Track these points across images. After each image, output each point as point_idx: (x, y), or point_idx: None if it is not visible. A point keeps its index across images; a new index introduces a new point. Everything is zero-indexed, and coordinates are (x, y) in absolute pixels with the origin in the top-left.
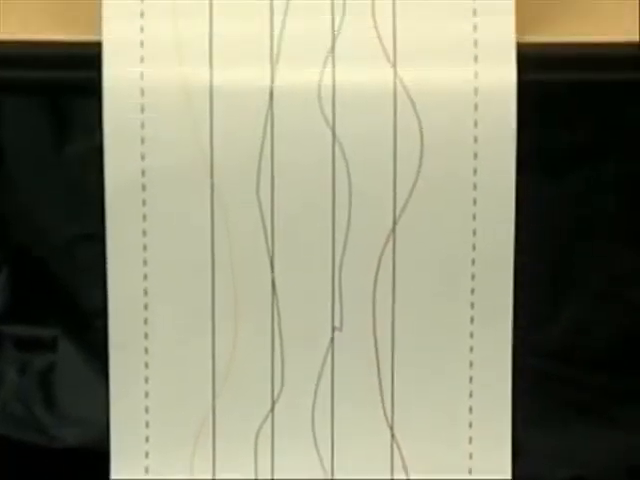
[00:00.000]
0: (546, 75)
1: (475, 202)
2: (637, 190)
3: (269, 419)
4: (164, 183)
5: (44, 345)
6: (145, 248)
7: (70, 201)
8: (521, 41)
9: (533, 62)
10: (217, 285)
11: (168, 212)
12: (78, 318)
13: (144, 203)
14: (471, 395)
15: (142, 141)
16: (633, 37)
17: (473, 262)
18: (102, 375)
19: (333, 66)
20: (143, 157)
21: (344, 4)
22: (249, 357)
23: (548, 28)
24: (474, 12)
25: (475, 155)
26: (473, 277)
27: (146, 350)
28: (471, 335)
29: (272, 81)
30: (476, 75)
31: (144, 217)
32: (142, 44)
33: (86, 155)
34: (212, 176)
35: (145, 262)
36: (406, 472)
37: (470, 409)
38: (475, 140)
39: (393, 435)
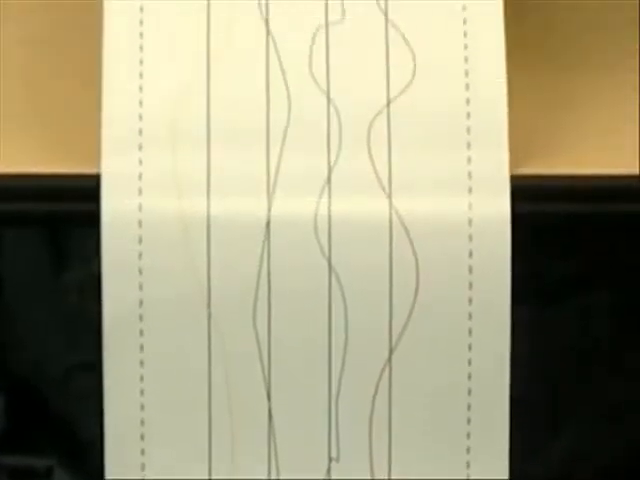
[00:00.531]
0: (540, 207)
1: (470, 332)
2: (632, 319)
3: None
4: (162, 314)
5: (39, 475)
6: (142, 379)
7: (68, 330)
8: (515, 173)
9: (527, 194)
10: (214, 415)
11: (165, 343)
12: (74, 448)
13: (141, 333)
14: None
15: (140, 272)
16: (633, 170)
17: (469, 392)
18: None
19: (329, 197)
20: (141, 287)
21: (340, 136)
22: None
23: (542, 160)
24: (468, 145)
25: (470, 285)
26: (469, 407)
27: None
28: (467, 465)
29: (269, 212)
30: (470, 206)
31: (141, 348)
32: (140, 177)
33: (84, 285)
34: (209, 306)
35: (142, 392)
36: None
37: None
38: (470, 270)
39: None
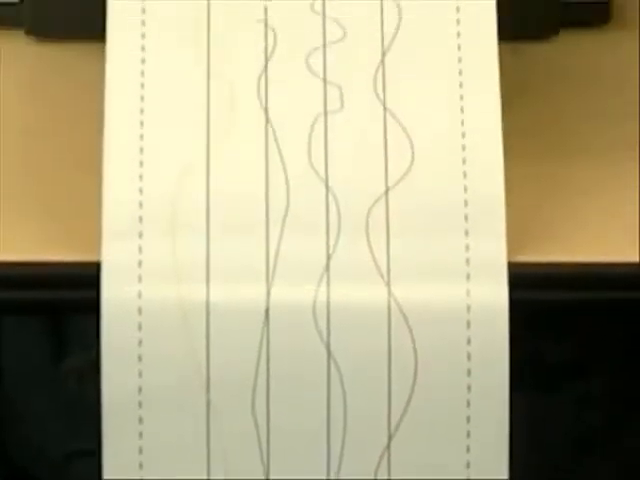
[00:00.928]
0: (538, 294)
1: (469, 419)
2: (628, 407)
3: None
4: (161, 400)
5: None
6: (141, 466)
7: (68, 417)
8: (513, 261)
9: (525, 281)
10: None
11: (165, 430)
12: None
13: (141, 421)
14: None
15: (139, 359)
16: (632, 258)
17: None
18: None
19: (328, 285)
20: (140, 374)
21: (339, 224)
22: None
23: (541, 247)
24: (466, 233)
25: (469, 372)
26: None
27: None
28: None
29: (268, 299)
30: (468, 293)
31: (140, 435)
32: (140, 264)
33: (84, 372)
34: (208, 392)
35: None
36: None
37: None
38: (468, 357)
39: None
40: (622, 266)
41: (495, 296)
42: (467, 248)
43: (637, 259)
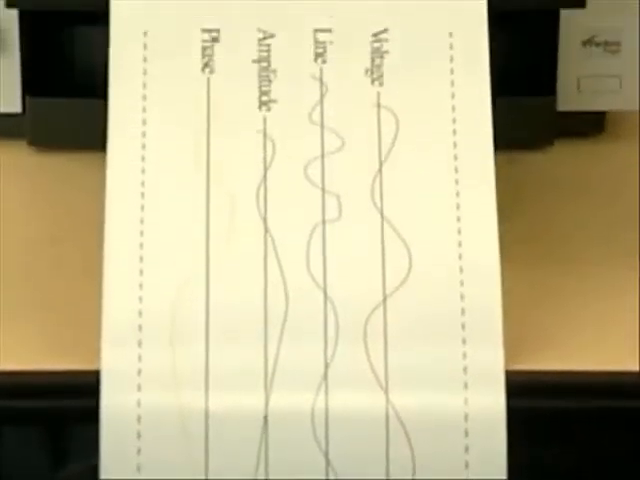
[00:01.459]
0: (536, 402)
1: None
2: None
3: None
4: None
5: None
6: None
7: None
8: (510, 369)
9: (523, 390)
10: None
11: None
12: None
13: None
14: None
15: (138, 468)
16: (632, 367)
17: None
18: None
19: (326, 393)
20: None
21: (337, 332)
22: None
23: (539, 355)
24: (463, 341)
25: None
26: None
27: None
28: None
29: (266, 407)
30: (466, 402)
31: None
32: (140, 372)
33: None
34: None
35: None
36: None
37: None
38: (466, 466)
39: None
40: (621, 375)
41: (493, 405)
42: (464, 356)
43: (637, 368)
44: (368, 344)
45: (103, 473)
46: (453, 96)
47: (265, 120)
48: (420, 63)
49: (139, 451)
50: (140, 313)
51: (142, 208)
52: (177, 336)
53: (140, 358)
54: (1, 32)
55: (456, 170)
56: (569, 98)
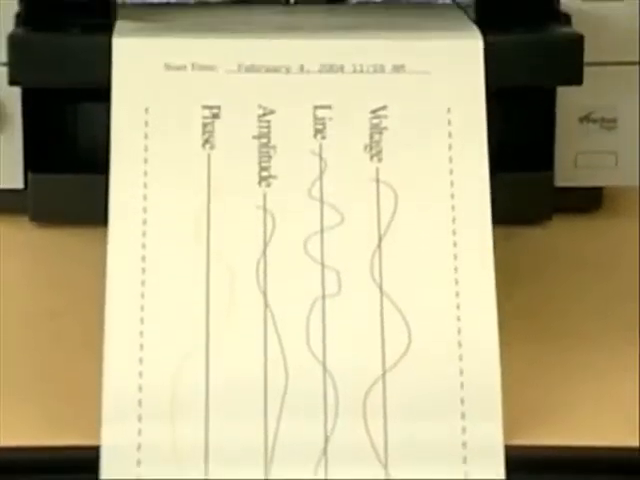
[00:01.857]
0: (535, 477)
1: None
2: None
3: None
4: None
5: None
6: None
7: None
8: (510, 444)
9: (522, 465)
10: None
11: None
12: None
13: None
14: None
15: None
16: (632, 442)
17: None
18: None
19: (326, 467)
20: None
21: (336, 406)
22: None
23: (538, 430)
24: (462, 416)
25: None
26: None
27: None
28: None
29: None
30: (466, 475)
31: None
32: (139, 447)
33: None
34: None
35: None
36: None
37: None
38: None
39: None
40: (621, 450)
41: (491, 478)
42: (464, 431)
43: (637, 444)
44: (367, 419)
45: None
46: (451, 172)
47: (265, 196)
48: (419, 139)
49: None
50: (140, 388)
51: (143, 283)
52: (177, 411)
53: (140, 432)
54: (3, 108)
55: (455, 245)
56: (567, 174)
